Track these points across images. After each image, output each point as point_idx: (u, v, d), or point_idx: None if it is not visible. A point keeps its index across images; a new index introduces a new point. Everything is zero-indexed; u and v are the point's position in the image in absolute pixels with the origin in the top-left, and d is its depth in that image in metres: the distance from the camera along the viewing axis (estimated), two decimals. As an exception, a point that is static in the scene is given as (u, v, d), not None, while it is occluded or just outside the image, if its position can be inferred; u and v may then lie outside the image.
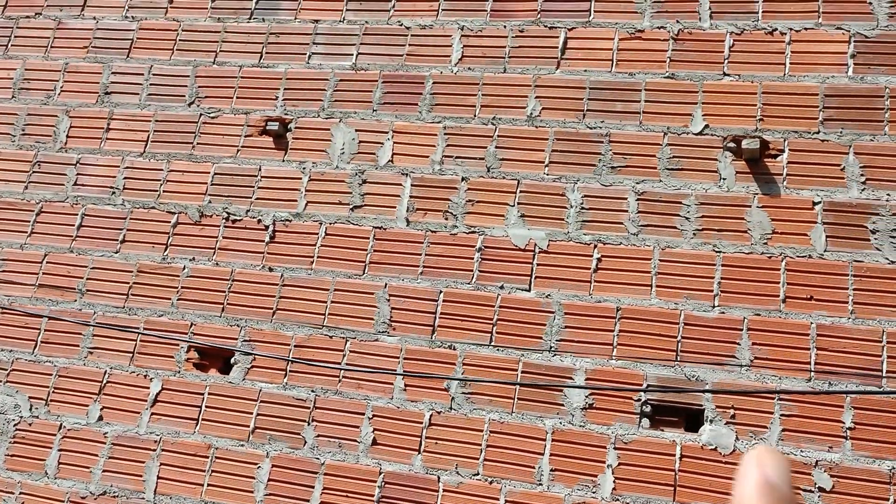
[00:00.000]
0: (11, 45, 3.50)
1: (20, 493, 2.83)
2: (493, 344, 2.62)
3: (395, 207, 2.90)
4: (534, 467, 2.47)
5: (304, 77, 3.15)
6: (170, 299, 2.96)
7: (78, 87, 3.35)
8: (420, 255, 2.81)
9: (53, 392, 2.93)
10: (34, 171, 3.25)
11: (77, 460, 2.83)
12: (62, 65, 3.41)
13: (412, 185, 2.91)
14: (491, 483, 2.47)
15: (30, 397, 2.94)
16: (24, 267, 3.11)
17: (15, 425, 2.92)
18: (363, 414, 2.65)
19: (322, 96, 3.11)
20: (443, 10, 3.12)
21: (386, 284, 2.80)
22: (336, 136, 3.04)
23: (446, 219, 2.84)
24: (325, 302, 2.82)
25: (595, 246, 2.70)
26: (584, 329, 2.61)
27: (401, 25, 3.13)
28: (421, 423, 2.59)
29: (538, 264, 2.71)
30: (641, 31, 2.91)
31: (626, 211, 2.71)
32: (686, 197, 2.68)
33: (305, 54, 3.17)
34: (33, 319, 3.03)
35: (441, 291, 2.74)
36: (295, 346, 2.79)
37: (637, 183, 2.74)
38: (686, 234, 2.64)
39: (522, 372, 2.57)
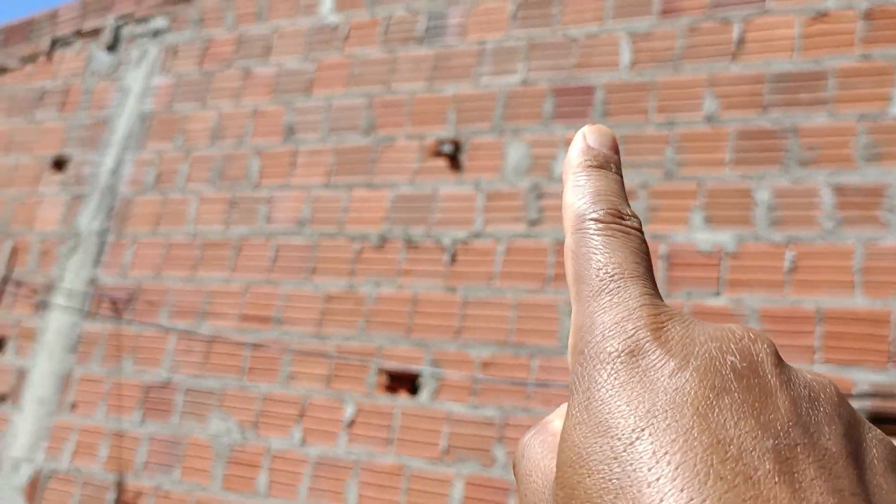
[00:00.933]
0: (209, 98, 3.80)
1: (236, 512, 3.02)
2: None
3: (571, 220, 2.86)
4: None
5: (473, 97, 3.19)
6: (358, 324, 3.07)
7: (266, 129, 3.58)
8: (600, 266, 2.75)
9: (260, 416, 3.12)
10: (232, 210, 3.49)
11: (284, 479, 2.99)
12: (251, 111, 3.65)
13: (587, 196, 2.86)
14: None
15: (239, 422, 3.15)
16: (229, 299, 3.35)
17: (229, 448, 3.13)
18: (552, 431, 2.62)
19: (492, 114, 3.13)
20: (608, 16, 3.06)
21: (568, 299, 2.76)
22: (508, 152, 3.05)
23: (625, 228, 2.76)
24: (508, 319, 2.82)
25: (788, 245, 2.53)
26: (782, 333, 2.44)
27: (566, 36, 3.10)
28: (612, 439, 2.52)
29: (727, 268, 2.58)
30: (825, 13, 2.71)
31: (820, 206, 2.53)
32: (889, 187, 2.46)
33: (473, 74, 3.21)
34: (239, 348, 3.25)
35: (624, 303, 2.67)
36: (481, 364, 2.81)
37: (830, 175, 2.54)
38: (892, 227, 2.42)
39: None
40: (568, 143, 2.95)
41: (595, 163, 0.36)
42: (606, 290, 0.31)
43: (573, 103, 3.02)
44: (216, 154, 3.64)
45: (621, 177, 0.36)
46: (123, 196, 3.78)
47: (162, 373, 3.37)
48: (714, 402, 0.26)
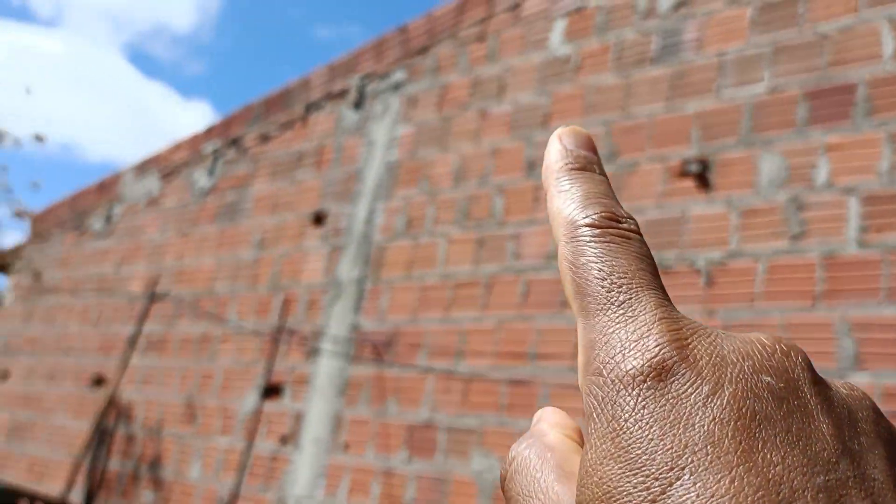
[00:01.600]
0: (449, 141, 3.93)
1: (504, 549, 3.02)
2: None
3: (841, 230, 2.61)
4: None
5: (717, 112, 3.04)
6: (614, 355, 2.99)
7: (506, 166, 3.63)
8: (880, 277, 2.48)
9: (521, 452, 3.11)
10: (480, 249, 3.56)
11: (550, 517, 2.95)
12: (490, 150, 3.73)
13: (859, 203, 2.60)
14: None
15: (501, 458, 3.16)
16: (483, 337, 3.40)
17: (492, 484, 3.15)
18: (841, 463, 2.38)
19: (739, 128, 2.96)
20: (864, 5, 2.80)
21: (844, 316, 2.52)
22: (761, 165, 2.86)
23: (908, 234, 2.48)
24: (777, 342, 2.62)
25: None
26: None
27: (816, 34, 2.88)
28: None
29: None
30: None
31: None
32: None
33: (715, 88, 3.07)
34: (496, 385, 3.28)
35: (916, 317, 2.38)
36: (750, 392, 2.62)
37: None
38: None
39: None
40: (829, 148, 2.72)
41: (577, 165, 0.34)
42: (616, 303, 0.28)
43: (831, 105, 2.78)
44: (460, 196, 3.75)
45: (606, 178, 0.35)
46: (377, 243, 3.99)
47: (423, 412, 3.48)
48: (757, 434, 0.24)
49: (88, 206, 6.24)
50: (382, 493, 3.48)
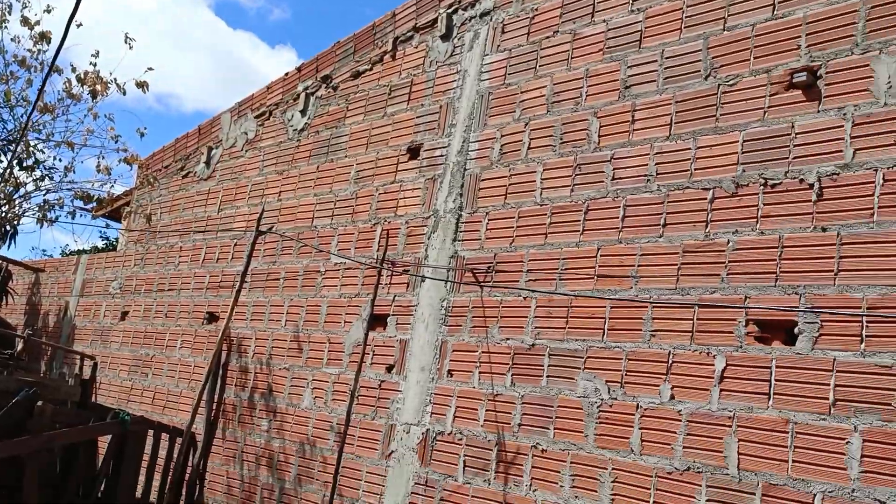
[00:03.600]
0: (538, 66, 3.86)
1: (612, 469, 3.05)
2: None
3: (966, 135, 2.46)
4: None
5: (827, 16, 2.88)
6: (719, 275, 2.93)
7: (600, 89, 3.55)
8: None
9: (626, 375, 3.12)
10: (576, 174, 3.52)
11: (657, 437, 2.96)
12: (583, 72, 3.64)
13: None
14: None
15: (606, 381, 3.17)
16: (583, 262, 3.38)
17: (598, 407, 3.17)
18: (966, 378, 2.29)
19: (853, 31, 2.80)
20: None
21: (970, 226, 2.39)
22: (879, 70, 2.71)
23: None
24: (894, 255, 2.51)
25: None
26: None
27: (937, -76, 2.67)
28: None
29: None
30: None
31: None
32: None
33: (824, -8, 2.90)
34: (599, 310, 3.27)
35: None
36: (867, 308, 2.54)
37: None
38: None
39: None
40: (952, 47, 2.54)
41: None
42: None
43: (954, 1, 2.59)
44: (554, 121, 3.69)
45: None
46: (472, 173, 3.99)
47: (527, 338, 3.51)
48: None
49: (190, 150, 6.44)
50: (488, 418, 3.55)
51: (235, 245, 5.55)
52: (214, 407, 4.76)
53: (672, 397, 2.95)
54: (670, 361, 2.99)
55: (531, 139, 3.76)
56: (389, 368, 4.10)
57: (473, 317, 3.77)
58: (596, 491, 3.08)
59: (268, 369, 4.85)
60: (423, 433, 3.82)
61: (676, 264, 3.07)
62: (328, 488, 3.24)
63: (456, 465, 3.62)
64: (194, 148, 6.42)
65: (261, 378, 4.89)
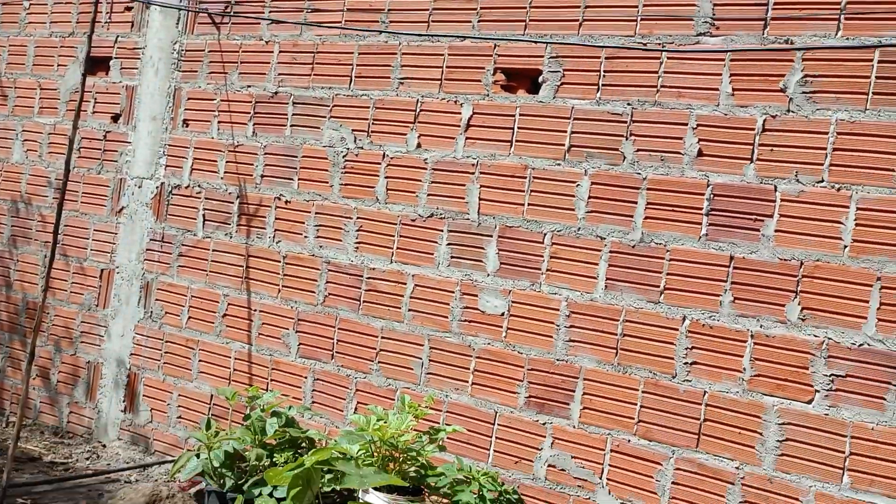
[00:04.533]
0: None
1: (357, 219, 3.06)
2: (841, 34, 2.26)
3: None
4: (894, 169, 2.18)
5: None
6: (470, 22, 2.87)
7: None
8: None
9: (373, 124, 3.05)
10: None
11: (402, 186, 2.97)
12: None
13: None
14: (839, 190, 2.24)
15: (353, 130, 3.09)
16: (329, 4, 3.16)
17: (344, 157, 3.11)
18: (686, 124, 2.47)
19: None
20: None
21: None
22: None
23: None
24: (637, 6, 2.58)
25: None
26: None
27: None
28: (753, 129, 2.37)
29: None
30: None
31: None
32: None
33: None
34: (347, 56, 3.12)
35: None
36: (606, 58, 2.61)
37: None
38: None
39: (879, 62, 2.21)
40: None
41: None
42: None
43: None
44: None
45: None
46: None
47: (269, 85, 3.30)
48: None
49: None
50: (228, 170, 3.38)
51: None
52: None
53: (419, 146, 2.95)
54: (418, 110, 2.96)
55: None
56: (115, 118, 3.72)
57: (210, 62, 3.46)
58: (341, 240, 3.09)
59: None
60: (157, 187, 3.57)
61: (427, 9, 2.96)
62: (49, 248, 2.97)
63: (195, 219, 3.46)
64: None
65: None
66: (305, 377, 3.14)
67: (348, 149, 3.10)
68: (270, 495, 2.18)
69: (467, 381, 2.79)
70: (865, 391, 2.17)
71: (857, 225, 2.21)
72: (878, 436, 2.14)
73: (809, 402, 2.24)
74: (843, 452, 2.18)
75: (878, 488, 2.13)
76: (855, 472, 2.17)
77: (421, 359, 2.88)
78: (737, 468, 2.32)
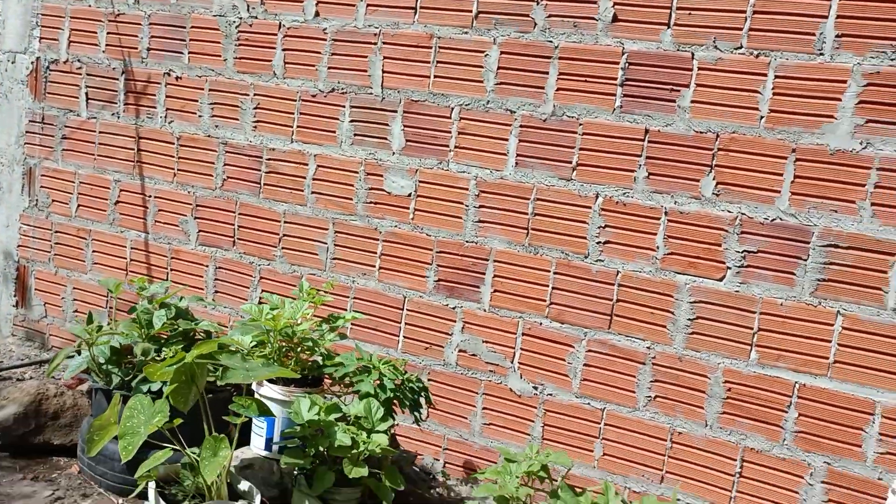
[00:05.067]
0: None
1: (254, 95, 2.83)
2: None
3: None
4: (813, 33, 2.06)
5: None
6: None
7: None
8: None
9: (266, -11, 2.78)
10: None
11: (301, 59, 2.74)
12: None
13: None
14: (757, 56, 2.11)
15: (245, -3, 2.82)
16: None
17: (237, 28, 2.84)
18: (600, -13, 2.29)
19: None
20: None
21: None
22: None
23: None
24: None
25: None
26: None
27: None
28: (671, -8, 2.20)
29: None
30: None
31: None
32: None
33: None
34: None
35: None
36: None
37: None
38: None
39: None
40: None
41: None
42: None
43: None
44: None
45: None
46: None
47: (150, -54, 2.97)
48: None
49: None
50: (111, 42, 3.08)
51: None
52: None
53: (317, 14, 2.70)
54: (315, -27, 2.70)
55: None
56: (-19, -15, 3.34)
57: (83, -80, 3.09)
58: (237, 119, 2.86)
59: None
60: (32, 62, 3.25)
61: None
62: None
63: (77, 97, 3.17)
64: None
65: None
66: (207, 266, 2.97)
67: (241, 18, 2.83)
68: (149, 391, 2.04)
69: (374, 266, 2.66)
70: (776, 266, 2.11)
71: (774, 94, 2.10)
72: (786, 311, 2.11)
73: (721, 279, 2.18)
74: (752, 329, 2.15)
75: (784, 363, 2.11)
76: (763, 347, 2.14)
77: (326, 243, 2.73)
78: (648, 348, 2.28)
